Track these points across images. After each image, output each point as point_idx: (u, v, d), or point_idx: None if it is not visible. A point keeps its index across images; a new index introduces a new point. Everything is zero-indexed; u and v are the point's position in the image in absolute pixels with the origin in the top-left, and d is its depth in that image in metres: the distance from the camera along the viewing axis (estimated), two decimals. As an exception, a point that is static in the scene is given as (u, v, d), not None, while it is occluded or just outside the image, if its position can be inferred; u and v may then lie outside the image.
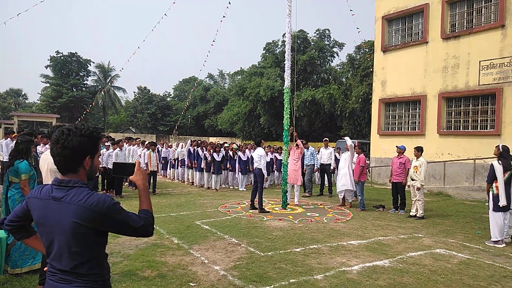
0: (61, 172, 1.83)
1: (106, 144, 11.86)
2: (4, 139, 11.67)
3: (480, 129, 13.59)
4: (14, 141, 4.98)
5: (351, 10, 13.71)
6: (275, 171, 15.22)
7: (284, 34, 29.43)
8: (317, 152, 13.17)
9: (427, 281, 4.81)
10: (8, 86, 70.70)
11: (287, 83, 9.77)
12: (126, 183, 13.48)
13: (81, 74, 49.06)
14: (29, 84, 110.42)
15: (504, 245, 6.66)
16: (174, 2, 13.22)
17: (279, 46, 35.03)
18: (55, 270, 1.78)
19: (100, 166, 10.80)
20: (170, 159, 16.87)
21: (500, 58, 12.87)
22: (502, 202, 6.62)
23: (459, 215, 9.61)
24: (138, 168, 2.03)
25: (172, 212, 8.99)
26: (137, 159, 11.33)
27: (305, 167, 12.77)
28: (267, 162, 10.80)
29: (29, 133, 7.30)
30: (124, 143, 12.58)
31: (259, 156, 9.54)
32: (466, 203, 11.52)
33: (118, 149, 11.61)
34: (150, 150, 12.13)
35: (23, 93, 71.27)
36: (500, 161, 6.79)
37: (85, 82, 49.97)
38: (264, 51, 37.31)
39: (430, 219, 8.93)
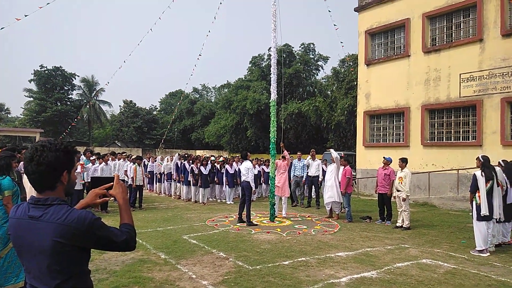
0: (37, 190, 1.78)
1: (92, 158, 11.72)
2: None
3: (462, 140, 13.89)
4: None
5: (335, 25, 14.07)
6: (263, 183, 15.23)
7: (269, 48, 29.74)
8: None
9: (414, 292, 4.84)
10: (-10, 101, 69.31)
11: (274, 96, 9.87)
12: (112, 198, 13.26)
13: (65, 88, 48.53)
14: (12, 98, 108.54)
15: (489, 254, 6.77)
16: (160, 18, 13.32)
17: (265, 59, 35.44)
18: None
19: (86, 181, 10.65)
20: (156, 173, 16.73)
21: (479, 71, 13.26)
22: (483, 211, 6.75)
23: (444, 225, 9.75)
24: (117, 181, 2.00)
25: (159, 226, 8.89)
26: (116, 173, 11.23)
27: (292, 178, 12.84)
28: (254, 175, 10.81)
29: (12, 148, 7.17)
30: (109, 158, 12.45)
31: (247, 169, 9.55)
32: (450, 213, 11.70)
33: (103, 163, 11.48)
34: (136, 164, 12.02)
35: (5, 108, 69.99)
36: (483, 172, 6.94)
37: (69, 96, 49.43)
38: (250, 65, 37.68)
39: (416, 230, 9.03)
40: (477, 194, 6.90)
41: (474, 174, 7.04)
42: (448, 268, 5.91)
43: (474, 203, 6.96)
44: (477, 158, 7.23)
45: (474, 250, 6.91)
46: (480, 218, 6.82)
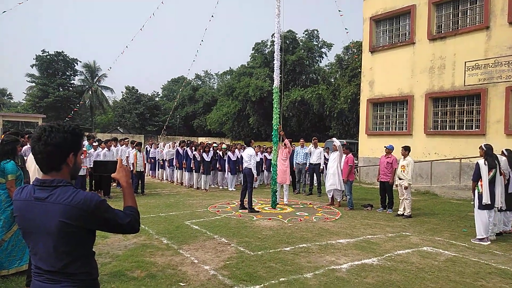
0: (43, 171, 1.79)
1: (94, 144, 11.74)
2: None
3: (465, 128, 13.83)
4: None
5: (339, 11, 13.85)
6: (265, 170, 15.26)
7: (273, 34, 29.48)
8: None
9: (414, 279, 4.88)
10: (-8, 86, 69.20)
11: (277, 83, 9.80)
12: (114, 184, 13.35)
13: (67, 73, 48.43)
14: (14, 83, 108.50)
15: (489, 242, 6.79)
16: (162, 2, 13.16)
17: (268, 46, 35.15)
18: (41, 271, 1.75)
19: (88, 166, 10.69)
20: (159, 159, 16.76)
21: (485, 59, 13.11)
22: (485, 200, 6.75)
23: (445, 213, 9.77)
24: (120, 165, 2.01)
25: (161, 212, 8.94)
26: (119, 157, 11.26)
27: (294, 166, 12.85)
28: (256, 162, 10.82)
29: (15, 133, 7.19)
30: (112, 144, 12.45)
31: (249, 156, 9.55)
32: (452, 202, 11.71)
33: (106, 149, 11.49)
34: (136, 150, 12.02)
35: (8, 93, 70.01)
36: (486, 161, 6.92)
37: (71, 81, 49.34)
38: (253, 51, 37.40)
39: (417, 218, 9.05)
40: (479, 183, 6.89)
41: (477, 162, 7.02)
42: (448, 256, 5.93)
43: (476, 191, 6.95)
44: (480, 147, 7.20)
45: (475, 239, 6.93)
46: (482, 206, 6.82)
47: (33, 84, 46.99)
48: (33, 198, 1.74)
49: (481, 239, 6.83)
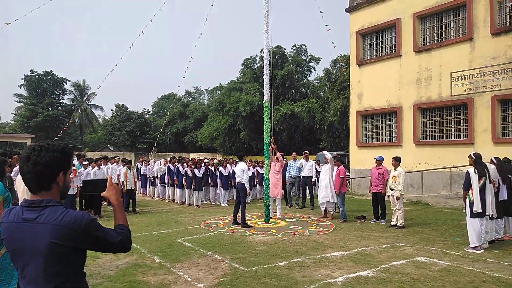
0: (32, 191, 1.76)
1: (84, 163, 11.61)
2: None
3: (454, 138, 14.01)
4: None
5: (326, 26, 14.11)
6: (257, 185, 15.21)
7: (261, 50, 29.82)
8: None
9: (410, 290, 4.86)
10: (-20, 107, 68.55)
11: (267, 97, 9.87)
12: (105, 203, 13.17)
13: (56, 92, 48.24)
14: (2, 104, 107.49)
15: (482, 250, 6.81)
16: (151, 20, 13.27)
17: (257, 61, 35.53)
18: None
19: (78, 186, 10.55)
20: (149, 176, 16.61)
21: (470, 69, 13.39)
22: (476, 208, 6.79)
23: (438, 223, 9.80)
24: (110, 183, 1.99)
25: (153, 230, 8.82)
26: (108, 175, 11.13)
27: (287, 179, 12.82)
28: (249, 176, 10.79)
29: (3, 153, 7.09)
30: (102, 162, 12.32)
31: (242, 171, 9.52)
32: (444, 211, 11.77)
33: (96, 168, 11.37)
34: (126, 168, 11.91)
35: (-5, 113, 69.25)
36: (476, 169, 6.99)
37: (61, 101, 49.11)
38: (242, 67, 37.74)
39: (410, 228, 9.06)
40: (470, 191, 6.95)
41: (467, 171, 7.09)
42: (443, 266, 5.93)
43: (467, 200, 7.00)
44: (470, 156, 7.28)
45: (468, 247, 6.95)
46: (474, 215, 6.86)
47: (22, 104, 46.65)
48: (22, 220, 1.71)
49: (474, 248, 6.85)
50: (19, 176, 4.31)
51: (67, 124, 30.64)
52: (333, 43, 28.28)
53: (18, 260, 1.73)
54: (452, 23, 14.36)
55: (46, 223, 1.66)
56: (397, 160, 9.40)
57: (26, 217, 1.70)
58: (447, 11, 14.41)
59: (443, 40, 14.47)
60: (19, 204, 1.81)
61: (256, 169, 15.10)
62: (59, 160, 1.77)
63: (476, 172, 6.96)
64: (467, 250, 6.89)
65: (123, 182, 11.66)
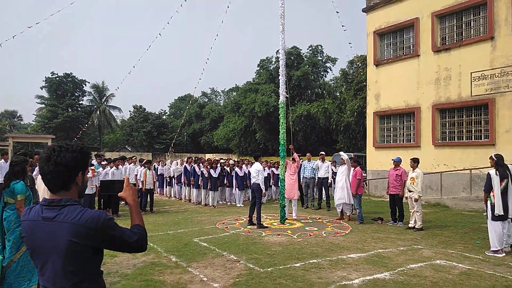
0: (52, 190, 1.79)
1: (103, 163, 11.81)
2: (-1, 160, 11.58)
3: (474, 139, 13.69)
4: (8, 162, 4.99)
5: (343, 26, 14.00)
6: (273, 185, 15.18)
7: (277, 51, 29.83)
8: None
9: (428, 293, 4.77)
10: (3, 108, 70.55)
11: (282, 98, 9.85)
12: (123, 202, 13.36)
13: (76, 94, 49.17)
14: (24, 105, 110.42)
15: (504, 254, 6.63)
16: (168, 23, 13.41)
17: (273, 62, 35.47)
18: None
19: (97, 185, 10.73)
20: (166, 176, 16.78)
21: (491, 69, 13.07)
22: (498, 211, 6.63)
23: (457, 225, 9.60)
24: (127, 184, 2.00)
25: (169, 230, 8.91)
26: (125, 176, 11.29)
27: (302, 180, 12.76)
28: (264, 177, 10.78)
29: (24, 153, 7.26)
30: (120, 163, 12.51)
31: (257, 171, 9.52)
32: (464, 214, 11.52)
33: (114, 168, 11.55)
34: (146, 168, 12.07)
35: (18, 115, 71.20)
36: (497, 171, 6.82)
37: (80, 102, 50.06)
38: (258, 68, 37.75)
39: (429, 230, 8.90)
40: (491, 194, 6.78)
41: (488, 173, 6.92)
42: (463, 269, 5.80)
43: (488, 202, 6.84)
44: (491, 157, 7.10)
45: (489, 251, 6.78)
46: (495, 218, 6.69)
47: (43, 105, 47.76)
48: (41, 218, 1.74)
49: (495, 251, 6.68)
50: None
51: (86, 125, 31.28)
52: (349, 43, 28.16)
53: (37, 258, 1.76)
54: (472, 22, 14.05)
55: (64, 221, 1.69)
56: (415, 162, 9.24)
57: (46, 215, 1.73)
58: (467, 9, 14.10)
59: (463, 39, 14.17)
60: (39, 203, 1.84)
61: (272, 170, 15.08)
62: (78, 160, 1.80)
63: (498, 174, 6.78)
64: (488, 253, 6.72)
65: (142, 181, 11.83)
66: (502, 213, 6.63)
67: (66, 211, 1.72)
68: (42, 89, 47.55)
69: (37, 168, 7.62)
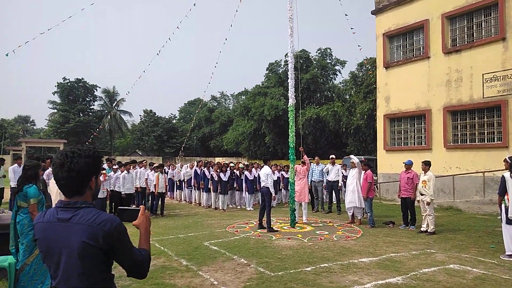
0: (67, 195, 1.81)
1: (114, 167, 11.91)
2: (11, 165, 11.78)
3: (487, 141, 13.49)
4: (21, 167, 5.06)
5: (352, 28, 13.89)
6: (282, 189, 15.14)
7: (286, 54, 29.79)
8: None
9: (442, 298, 4.69)
10: (16, 113, 71.81)
11: (292, 101, 9.83)
12: (134, 206, 13.45)
13: (87, 99, 49.86)
14: (37, 110, 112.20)
15: (519, 258, 6.51)
16: (178, 27, 13.51)
17: (282, 66, 35.46)
18: None
19: (108, 189, 10.82)
20: (176, 180, 16.84)
21: (503, 70, 12.88)
22: (511, 213, 6.50)
23: (471, 229, 9.45)
24: (143, 213, 2.01)
25: (180, 233, 8.93)
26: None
27: (310, 183, 12.64)
28: (274, 180, 10.75)
29: (37, 157, 7.37)
30: (131, 166, 12.59)
31: (266, 175, 9.51)
32: (477, 217, 11.34)
33: (125, 171, 11.64)
34: (158, 172, 12.14)
35: (31, 120, 72.39)
36: (512, 173, 6.70)
37: (91, 107, 50.73)
38: (267, 71, 37.77)
39: (441, 234, 8.77)
40: (506, 197, 6.66)
41: (503, 175, 6.80)
42: (477, 274, 5.70)
43: (503, 205, 6.72)
44: (505, 160, 6.98)
45: (504, 255, 6.66)
46: (509, 221, 6.57)
47: (55, 110, 48.45)
48: (56, 219, 1.76)
49: (510, 255, 6.56)
50: (53, 179, 4.46)
51: (97, 129, 31.63)
52: (358, 46, 27.92)
53: (50, 259, 1.77)
54: (483, 22, 13.88)
55: (80, 223, 1.71)
56: (427, 164, 9.13)
57: (61, 217, 1.75)
58: (478, 10, 13.94)
59: (474, 40, 14.00)
60: (54, 205, 1.86)
61: (282, 174, 15.04)
62: (91, 165, 1.82)
63: (512, 176, 6.66)
64: (503, 258, 6.60)
65: (154, 185, 11.90)
66: (516, 216, 6.51)
67: (82, 213, 1.74)
68: (54, 94, 48.34)
69: (47, 171, 7.72)
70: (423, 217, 9.02)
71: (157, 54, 13.93)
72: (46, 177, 7.60)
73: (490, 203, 12.15)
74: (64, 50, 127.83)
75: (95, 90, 50.02)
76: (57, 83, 47.65)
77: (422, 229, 9.00)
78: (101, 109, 51.80)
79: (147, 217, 2.02)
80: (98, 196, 9.41)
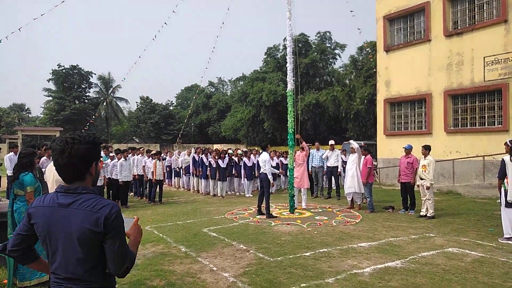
0: (67, 181, 1.81)
1: (111, 154, 11.82)
2: (7, 153, 11.70)
3: (487, 125, 13.43)
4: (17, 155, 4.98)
5: (351, 11, 13.67)
6: (281, 175, 15.11)
7: (285, 38, 29.45)
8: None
9: (441, 281, 4.69)
10: (11, 101, 71.41)
11: (290, 86, 9.71)
12: (132, 193, 13.44)
13: (83, 86, 49.45)
14: (32, 98, 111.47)
15: (518, 242, 6.51)
16: (173, 11, 13.27)
17: (280, 50, 35.08)
18: (60, 279, 1.75)
19: (106, 176, 10.76)
20: (174, 167, 16.80)
21: (505, 53, 12.74)
22: (510, 196, 6.48)
23: (470, 213, 9.46)
24: (135, 223, 1.98)
25: (178, 220, 8.91)
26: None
27: (310, 169, 12.60)
28: (273, 167, 10.68)
29: (32, 145, 7.27)
30: (129, 154, 12.49)
31: (264, 161, 9.44)
32: (476, 201, 11.35)
33: (122, 159, 11.56)
34: (156, 159, 12.08)
35: (26, 108, 72.00)
36: (512, 157, 6.66)
37: (87, 94, 50.36)
38: (265, 56, 37.40)
39: (441, 218, 8.78)
40: (505, 180, 6.63)
41: (503, 159, 6.76)
42: (475, 257, 5.70)
43: (502, 189, 6.69)
44: (505, 143, 6.92)
45: (502, 238, 6.67)
46: (509, 204, 6.56)
47: (50, 98, 48.11)
48: (57, 204, 1.76)
49: (509, 238, 6.57)
50: (49, 167, 4.40)
51: (93, 116, 31.45)
52: (358, 29, 27.57)
53: (49, 244, 1.77)
54: (485, 5, 13.67)
55: (80, 208, 1.72)
56: (426, 149, 9.08)
57: (62, 202, 1.76)
58: (480, -8, 13.71)
59: (476, 23, 13.81)
60: (54, 190, 1.85)
61: (280, 160, 15.00)
62: (92, 151, 1.82)
63: (512, 160, 6.62)
64: (501, 241, 6.61)
65: (152, 172, 11.87)
66: (515, 199, 6.49)
67: (83, 198, 1.75)
68: (49, 81, 47.92)
69: (42, 159, 7.63)
70: (423, 201, 9.01)
71: (153, 39, 13.72)
72: (41, 164, 7.53)
73: (490, 187, 12.16)
74: (58, 36, 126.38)
75: (90, 77, 49.54)
76: (52, 70, 47.19)
77: (421, 213, 9.00)
78: (97, 96, 51.40)
79: (139, 228, 1.99)
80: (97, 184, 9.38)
